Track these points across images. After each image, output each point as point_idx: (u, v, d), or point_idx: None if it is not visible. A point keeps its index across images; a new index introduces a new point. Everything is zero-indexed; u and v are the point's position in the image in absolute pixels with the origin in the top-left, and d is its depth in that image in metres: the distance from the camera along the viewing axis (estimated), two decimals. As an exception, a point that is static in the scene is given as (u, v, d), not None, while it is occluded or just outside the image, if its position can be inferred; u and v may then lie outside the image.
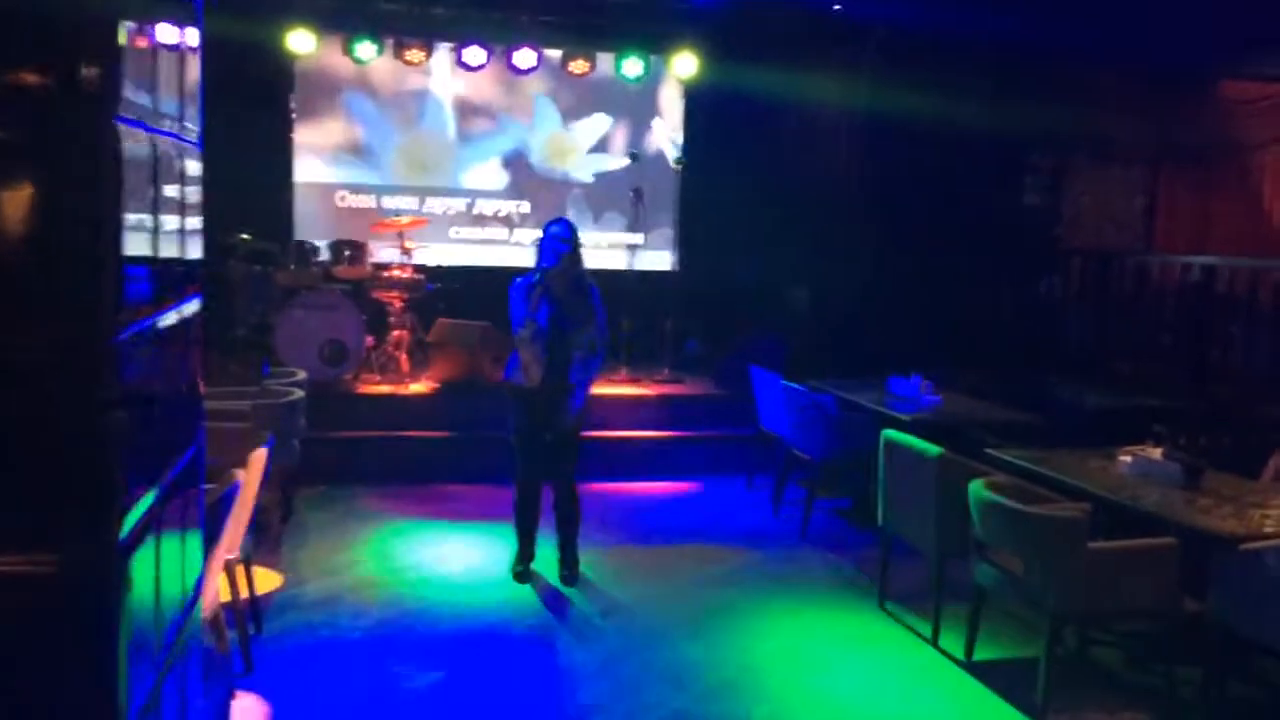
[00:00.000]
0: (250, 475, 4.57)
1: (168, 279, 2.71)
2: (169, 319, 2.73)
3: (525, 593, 5.68)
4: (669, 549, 6.50)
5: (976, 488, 4.63)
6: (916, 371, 7.27)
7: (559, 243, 5.55)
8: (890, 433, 5.43)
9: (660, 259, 10.39)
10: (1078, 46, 9.41)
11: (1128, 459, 5.13)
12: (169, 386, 2.78)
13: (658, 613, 5.46)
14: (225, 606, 4.39)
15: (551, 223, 5.71)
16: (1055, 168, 10.43)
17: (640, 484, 7.88)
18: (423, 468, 7.78)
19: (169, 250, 2.73)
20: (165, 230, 2.65)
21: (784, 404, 7.08)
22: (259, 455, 4.65)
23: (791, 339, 9.10)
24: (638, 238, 9.89)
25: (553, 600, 5.62)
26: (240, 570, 4.62)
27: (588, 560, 5.94)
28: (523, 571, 5.83)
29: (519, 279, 5.64)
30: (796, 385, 6.97)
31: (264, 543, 6.11)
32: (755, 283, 9.71)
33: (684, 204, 10.30)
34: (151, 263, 2.53)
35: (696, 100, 10.27)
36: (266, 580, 5.53)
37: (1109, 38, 9.24)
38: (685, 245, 10.37)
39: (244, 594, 4.67)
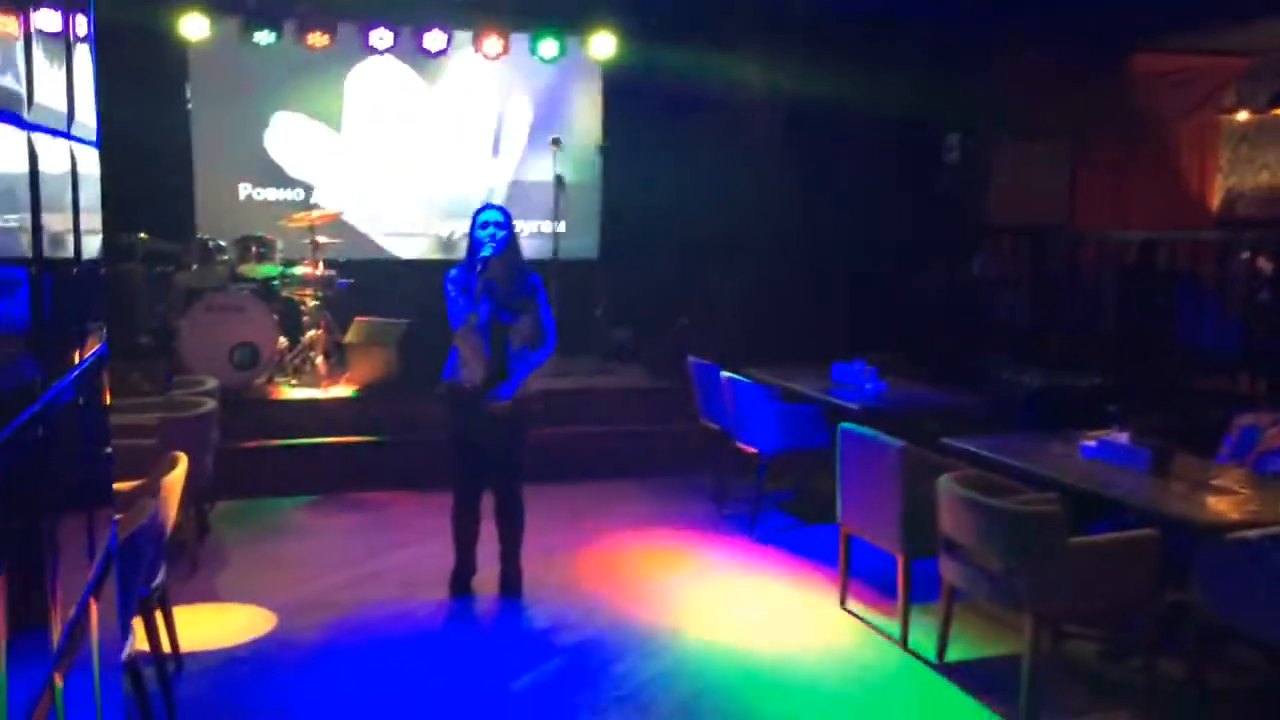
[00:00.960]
0: (165, 502, 4.15)
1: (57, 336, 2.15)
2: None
3: (467, 609, 5.33)
4: (614, 554, 6.19)
5: (946, 483, 4.42)
6: (858, 357, 7.09)
7: (496, 228, 5.18)
8: (847, 425, 5.19)
9: (584, 247, 10.04)
10: (994, 22, 9.33)
11: (1091, 443, 4.97)
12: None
13: (608, 627, 5.13)
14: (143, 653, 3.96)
15: (483, 208, 5.32)
16: (978, 146, 10.33)
17: (577, 483, 7.54)
18: (346, 476, 7.35)
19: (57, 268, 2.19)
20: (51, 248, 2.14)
21: (725, 395, 6.81)
22: (174, 479, 4.23)
23: (723, 327, 8.86)
24: (560, 226, 9.52)
25: (497, 616, 5.28)
26: (157, 609, 4.20)
27: (530, 569, 5.60)
28: (461, 584, 5.46)
29: (454, 270, 5.26)
30: (737, 376, 6.71)
31: (179, 566, 5.66)
32: (683, 270, 9.42)
33: (607, 190, 9.96)
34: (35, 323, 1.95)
35: (616, 83, 9.92)
36: (187, 617, 5.10)
37: (1027, 14, 9.17)
38: (609, 233, 10.03)
39: (162, 631, 4.25)
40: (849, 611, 5.29)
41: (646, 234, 9.54)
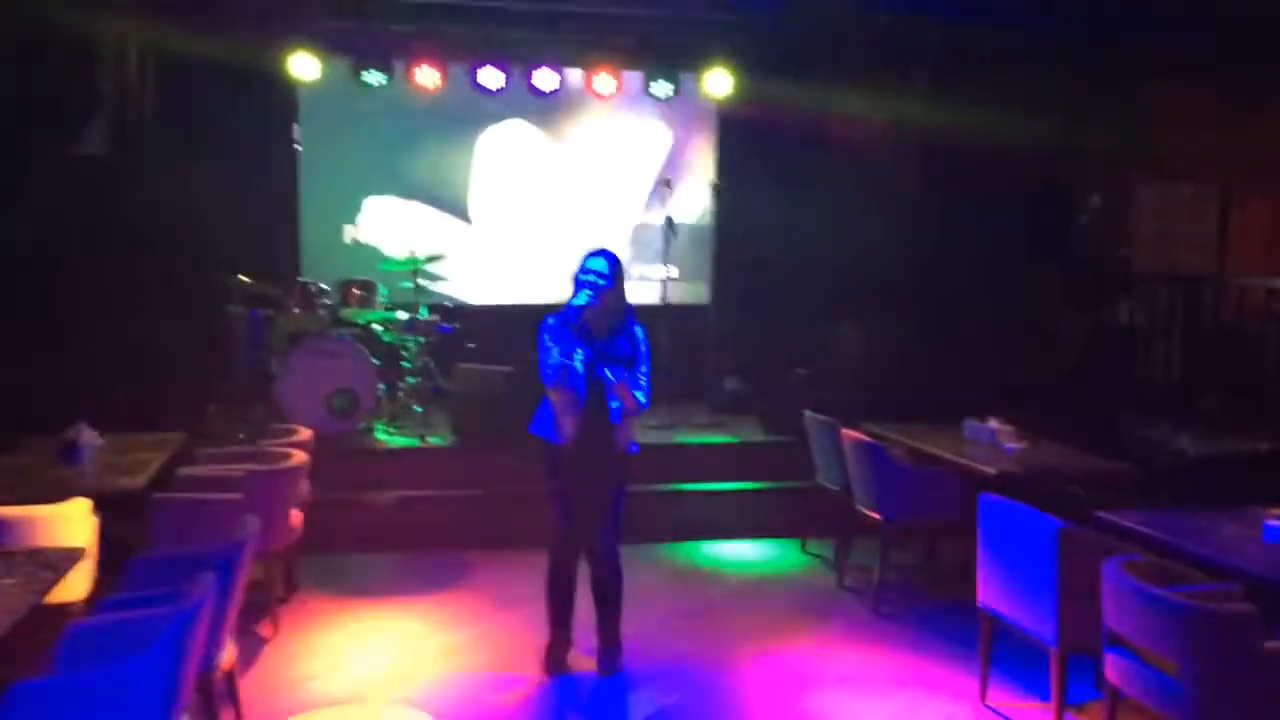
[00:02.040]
0: (241, 562, 3.80)
1: None
2: None
3: (561, 691, 4.86)
4: (721, 630, 5.66)
5: (1114, 571, 3.82)
6: (991, 414, 6.49)
7: (599, 278, 4.77)
8: (990, 496, 4.60)
9: (695, 292, 9.60)
10: (1141, 49, 8.66)
11: (1276, 523, 4.31)
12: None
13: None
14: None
15: (591, 254, 4.89)
16: (1122, 186, 9.62)
17: (680, 545, 7.06)
18: (443, 531, 6.98)
19: None
20: None
21: (846, 455, 6.27)
22: (248, 538, 3.87)
23: (842, 379, 8.29)
24: (670, 270, 9.11)
25: (594, 700, 4.80)
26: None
27: (630, 643, 5.12)
28: (557, 662, 5.02)
29: (551, 318, 4.86)
30: (860, 435, 6.17)
31: (261, 625, 5.34)
32: (800, 318, 8.89)
33: (720, 233, 9.52)
34: None
35: (731, 121, 9.49)
36: (260, 689, 4.75)
37: (1176, 42, 8.48)
38: (722, 277, 9.56)
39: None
40: (991, 709, 4.68)
41: (761, 279, 9.08)
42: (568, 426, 4.80)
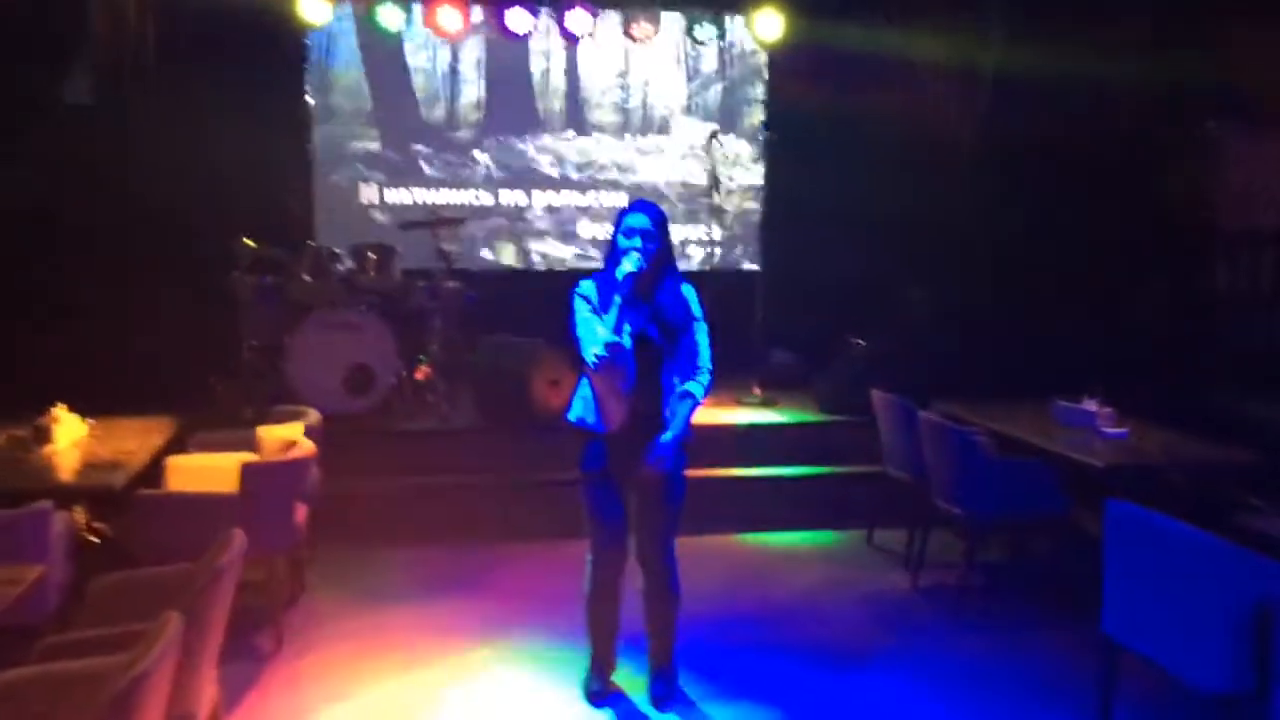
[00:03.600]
0: (218, 594, 3.12)
1: None
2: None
3: (607, 724, 4.19)
4: (785, 644, 4.93)
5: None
6: (1081, 392, 5.73)
7: (643, 235, 4.03)
8: (1122, 505, 3.83)
9: (743, 255, 8.84)
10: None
11: None
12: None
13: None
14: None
15: (631, 209, 4.12)
16: (1209, 137, 8.75)
17: (731, 536, 6.36)
18: (468, 522, 6.31)
19: None
20: None
21: (924, 441, 5.53)
22: (227, 565, 3.17)
23: (905, 352, 7.49)
24: (715, 231, 8.35)
25: (646, 734, 4.13)
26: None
27: (681, 662, 4.42)
28: (600, 689, 4.32)
29: (586, 283, 4.09)
30: (942, 419, 5.42)
31: (263, 638, 4.68)
32: (857, 284, 8.11)
33: (770, 191, 8.73)
34: None
35: (783, 68, 8.68)
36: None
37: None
38: (771, 239, 8.78)
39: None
40: (1114, 757, 3.96)
41: (814, 241, 8.29)
42: (615, 412, 4.07)
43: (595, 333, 3.95)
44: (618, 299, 3.91)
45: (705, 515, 6.20)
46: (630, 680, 4.40)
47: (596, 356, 3.92)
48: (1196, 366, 7.33)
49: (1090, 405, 5.60)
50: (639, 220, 4.04)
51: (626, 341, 3.92)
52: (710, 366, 4.12)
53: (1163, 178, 8.57)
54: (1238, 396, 6.80)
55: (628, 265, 3.92)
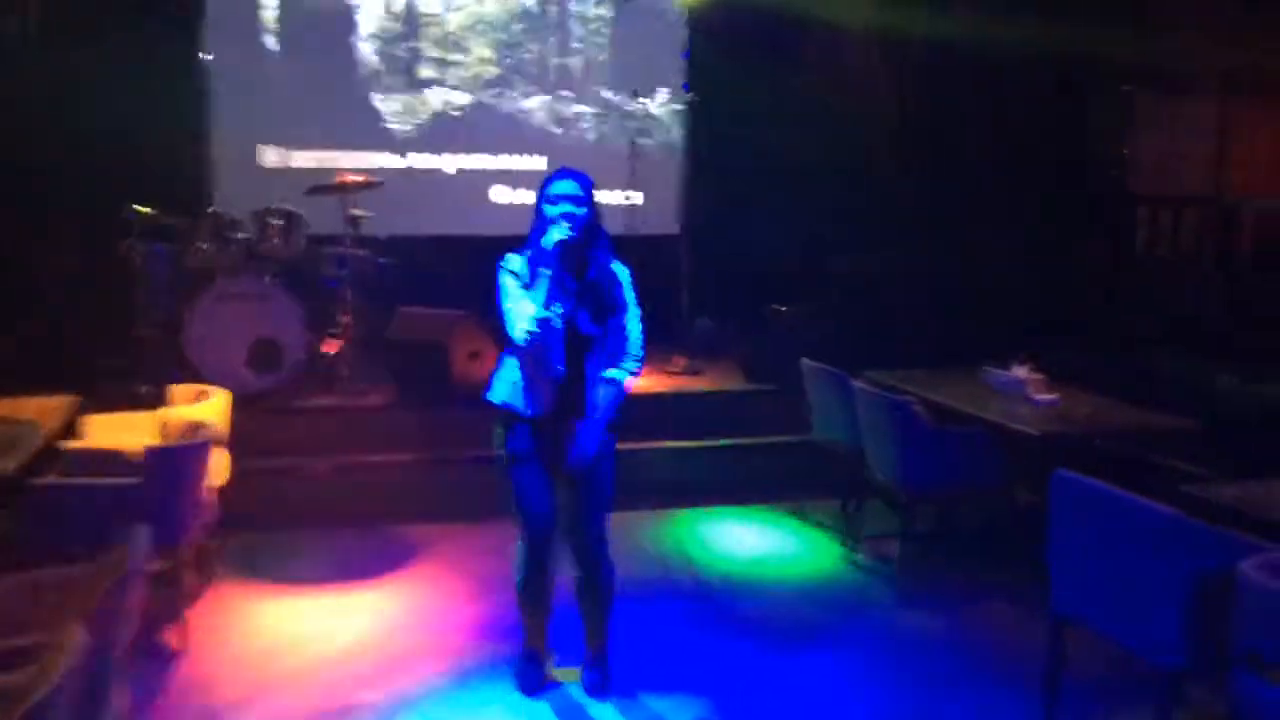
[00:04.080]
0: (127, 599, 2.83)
1: None
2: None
3: (540, 715, 3.98)
4: (724, 624, 4.77)
5: (1253, 578, 2.99)
6: (1011, 358, 5.67)
7: (571, 202, 3.79)
8: (1070, 476, 3.73)
9: (663, 221, 8.62)
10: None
11: None
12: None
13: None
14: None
15: (555, 176, 3.88)
16: (1126, 102, 8.77)
17: (661, 511, 6.18)
18: (386, 503, 6.03)
19: None
20: None
21: (859, 412, 5.40)
22: (134, 569, 2.88)
23: (829, 317, 7.37)
24: (636, 196, 8.12)
25: (583, 725, 3.94)
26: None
27: (620, 650, 4.24)
28: (535, 679, 4.11)
29: (512, 257, 3.85)
30: (877, 390, 5.29)
31: (162, 639, 4.37)
32: (781, 247, 7.96)
33: (691, 151, 8.51)
34: None
35: (704, 25, 8.44)
36: None
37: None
38: (693, 203, 8.57)
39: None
40: (1066, 731, 3.88)
41: (738, 206, 8.11)
42: (544, 393, 3.84)
43: (524, 309, 3.71)
44: (547, 272, 3.68)
45: (630, 490, 5.96)
46: (564, 669, 4.20)
47: (526, 334, 3.69)
48: (1124, 330, 7.34)
49: (1020, 372, 5.53)
50: (565, 187, 3.81)
51: (557, 321, 3.69)
52: (640, 355, 3.92)
53: (1084, 143, 8.59)
54: (1165, 360, 6.82)
55: (556, 234, 3.69)
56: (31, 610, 3.05)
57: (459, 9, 8.35)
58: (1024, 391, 5.43)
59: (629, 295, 3.90)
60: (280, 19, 7.99)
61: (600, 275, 3.85)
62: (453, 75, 8.41)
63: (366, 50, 8.24)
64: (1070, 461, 3.90)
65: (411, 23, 8.31)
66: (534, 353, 3.75)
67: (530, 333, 3.67)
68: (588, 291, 3.80)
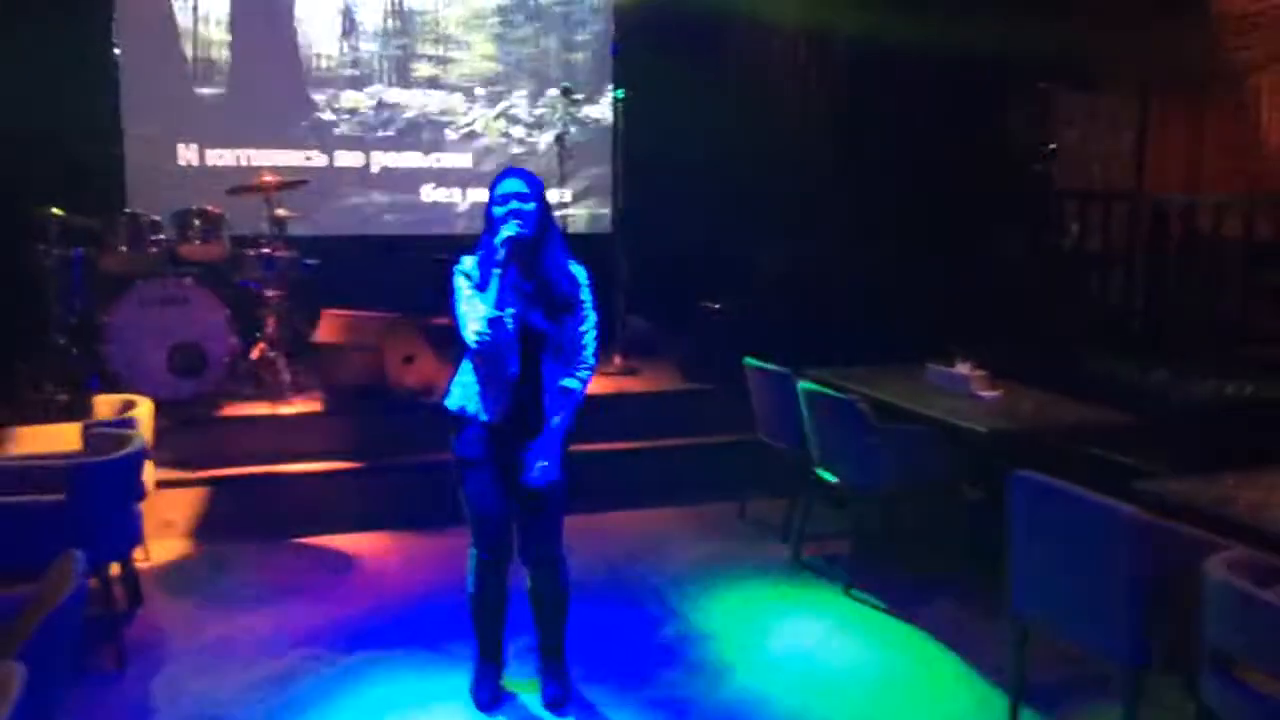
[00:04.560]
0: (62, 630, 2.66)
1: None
2: None
3: (500, 732, 3.87)
4: (677, 628, 4.71)
5: (1219, 571, 3.01)
6: (944, 354, 5.71)
7: (519, 199, 3.68)
8: (1029, 476, 3.72)
9: (594, 219, 8.52)
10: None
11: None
12: None
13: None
14: None
15: (503, 176, 3.77)
16: (1043, 98, 8.89)
17: (602, 514, 6.07)
18: (315, 513, 5.84)
19: None
20: None
21: (804, 412, 5.37)
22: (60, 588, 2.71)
23: (762, 314, 7.34)
24: (565, 194, 8.02)
25: (543, 742, 3.84)
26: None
27: (577, 660, 4.15)
28: (490, 694, 4.00)
29: (467, 260, 3.74)
30: (822, 389, 5.27)
31: (103, 656, 4.16)
32: (712, 245, 7.93)
33: (622, 149, 8.42)
34: None
35: (633, 22, 8.36)
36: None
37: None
38: (625, 201, 8.48)
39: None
40: (1029, 730, 3.89)
41: (667, 204, 8.04)
42: (499, 399, 3.74)
43: (476, 311, 3.61)
44: (497, 271, 3.57)
45: (571, 493, 5.94)
46: (521, 683, 4.09)
47: (477, 334, 3.59)
48: (1056, 325, 7.42)
49: (963, 368, 5.56)
50: (512, 185, 3.72)
51: (509, 321, 3.59)
52: (593, 362, 3.83)
53: (1006, 138, 8.70)
54: (1099, 356, 6.90)
55: (505, 231, 3.59)
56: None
57: (382, 7, 8.15)
58: (968, 388, 5.45)
59: (587, 297, 3.81)
60: (194, 12, 7.72)
61: (555, 273, 3.75)
62: (378, 73, 8.21)
63: (289, 46, 8.00)
64: (1017, 458, 3.91)
65: (347, 19, 8.09)
66: (486, 354, 3.65)
67: (481, 334, 3.57)
68: (541, 290, 3.71)
